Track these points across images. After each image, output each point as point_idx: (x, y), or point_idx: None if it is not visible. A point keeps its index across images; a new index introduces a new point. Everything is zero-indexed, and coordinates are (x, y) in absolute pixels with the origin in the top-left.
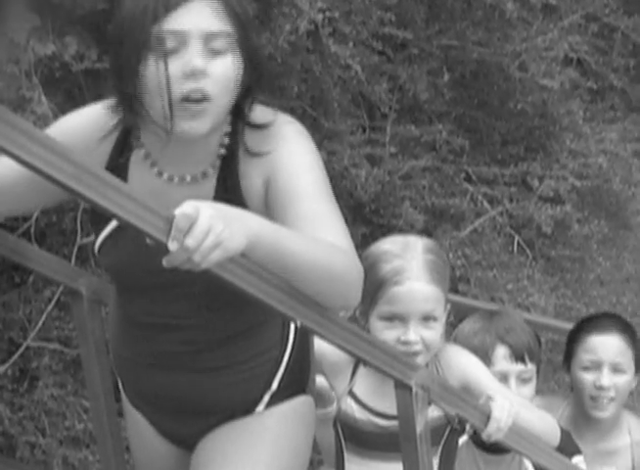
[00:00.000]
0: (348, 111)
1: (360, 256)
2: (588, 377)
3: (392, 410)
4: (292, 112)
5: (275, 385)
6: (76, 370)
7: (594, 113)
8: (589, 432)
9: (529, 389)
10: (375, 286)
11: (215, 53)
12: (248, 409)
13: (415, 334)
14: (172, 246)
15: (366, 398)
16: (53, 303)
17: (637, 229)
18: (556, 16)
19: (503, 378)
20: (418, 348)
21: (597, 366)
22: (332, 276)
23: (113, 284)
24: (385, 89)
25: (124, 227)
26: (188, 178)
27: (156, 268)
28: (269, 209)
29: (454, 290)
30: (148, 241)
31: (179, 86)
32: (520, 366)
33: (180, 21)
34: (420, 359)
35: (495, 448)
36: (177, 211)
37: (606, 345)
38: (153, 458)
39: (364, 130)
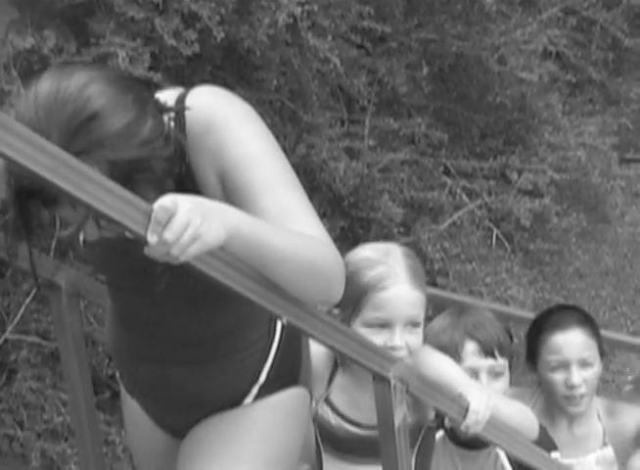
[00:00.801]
0: (327, 104)
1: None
2: (558, 377)
3: (367, 420)
4: (270, 105)
5: (263, 377)
6: (55, 363)
7: (573, 106)
8: (562, 419)
9: (502, 383)
10: (358, 293)
11: None
12: (236, 402)
13: (401, 339)
14: (151, 239)
15: (342, 406)
16: (31, 296)
17: (616, 222)
18: (535, 9)
19: (474, 374)
20: (403, 353)
21: (565, 365)
22: (313, 270)
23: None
24: (363, 82)
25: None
26: None
27: (137, 259)
28: (228, 200)
29: (433, 283)
30: (127, 234)
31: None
32: (490, 361)
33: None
34: None
35: (471, 444)
36: (156, 205)
37: (570, 343)
38: (147, 445)
39: (343, 123)
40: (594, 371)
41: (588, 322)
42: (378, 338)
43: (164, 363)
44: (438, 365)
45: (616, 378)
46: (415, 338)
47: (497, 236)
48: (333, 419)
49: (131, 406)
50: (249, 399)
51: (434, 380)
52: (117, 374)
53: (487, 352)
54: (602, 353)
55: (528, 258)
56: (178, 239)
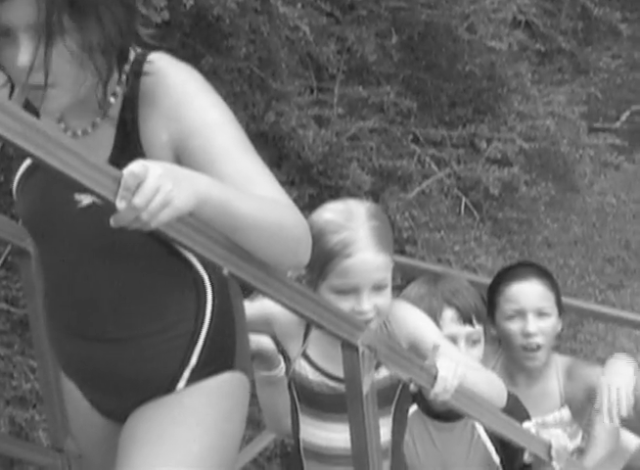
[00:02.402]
0: (296, 72)
1: None
2: (514, 326)
3: (342, 373)
4: (239, 72)
5: (194, 360)
6: (24, 330)
7: (542, 75)
8: (522, 377)
9: (478, 350)
10: (323, 258)
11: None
12: (169, 387)
13: (369, 303)
14: (120, 205)
15: (319, 360)
16: (0, 262)
17: (584, 191)
18: None
19: (452, 341)
20: (371, 316)
21: (521, 314)
22: (282, 234)
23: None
24: (333, 50)
25: (33, 171)
26: (79, 132)
27: (59, 214)
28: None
29: (401, 251)
30: (76, 196)
31: (19, 74)
32: (468, 328)
33: (5, 15)
34: (372, 326)
35: (446, 416)
36: (125, 171)
37: (526, 291)
38: (87, 429)
39: (312, 91)
40: (551, 322)
41: (546, 276)
42: (345, 303)
43: (87, 339)
44: (414, 321)
45: (584, 347)
46: (383, 299)
47: (466, 205)
48: (311, 374)
49: (70, 389)
50: (181, 384)
51: (408, 336)
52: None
53: (466, 318)
54: (560, 309)
55: (497, 227)
56: (148, 204)
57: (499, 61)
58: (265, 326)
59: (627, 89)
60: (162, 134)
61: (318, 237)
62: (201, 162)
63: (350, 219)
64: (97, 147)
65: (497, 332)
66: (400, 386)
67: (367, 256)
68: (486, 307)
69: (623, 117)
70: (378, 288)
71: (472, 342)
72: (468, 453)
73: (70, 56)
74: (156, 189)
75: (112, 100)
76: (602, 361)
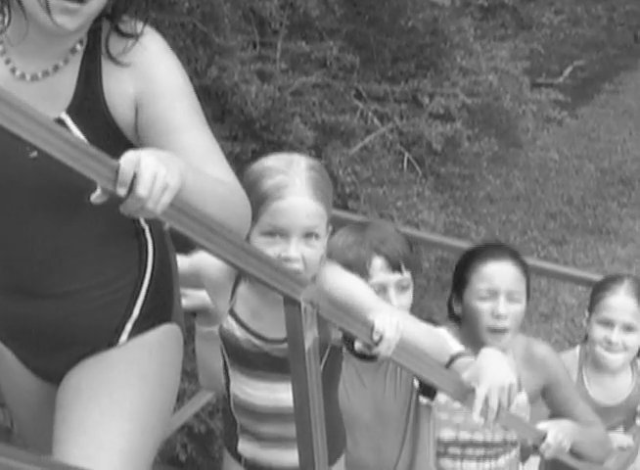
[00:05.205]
0: (239, 27)
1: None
2: (485, 306)
3: (269, 333)
4: (182, 27)
5: (136, 312)
6: None
7: (485, 30)
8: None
9: (408, 297)
10: (257, 201)
11: None
12: (110, 341)
13: (296, 250)
14: (121, 192)
15: (245, 318)
16: None
17: (527, 147)
18: None
19: (382, 289)
20: (298, 266)
21: (493, 295)
22: (233, 213)
23: None
24: (275, 5)
25: None
26: (39, 75)
27: (8, 164)
28: (143, 129)
29: (344, 206)
30: (33, 154)
31: None
32: (397, 275)
33: None
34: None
35: (370, 356)
36: (122, 160)
37: (502, 272)
38: (22, 393)
39: (255, 46)
40: (520, 308)
41: (520, 260)
42: (274, 248)
43: (29, 296)
44: (346, 284)
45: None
46: (312, 251)
47: (408, 160)
48: (237, 331)
49: (3, 356)
50: (124, 337)
51: (343, 301)
52: None
53: (394, 266)
54: (528, 296)
55: (439, 183)
56: (151, 192)
57: (442, 16)
58: (195, 280)
59: (570, 44)
60: (129, 87)
61: (255, 182)
62: (159, 126)
63: (289, 166)
64: (57, 90)
65: (462, 309)
66: (329, 347)
67: (299, 200)
68: (454, 284)
69: (566, 73)
70: (308, 236)
71: (401, 288)
72: (396, 389)
73: None
74: (154, 176)
75: (78, 47)
76: (545, 317)
